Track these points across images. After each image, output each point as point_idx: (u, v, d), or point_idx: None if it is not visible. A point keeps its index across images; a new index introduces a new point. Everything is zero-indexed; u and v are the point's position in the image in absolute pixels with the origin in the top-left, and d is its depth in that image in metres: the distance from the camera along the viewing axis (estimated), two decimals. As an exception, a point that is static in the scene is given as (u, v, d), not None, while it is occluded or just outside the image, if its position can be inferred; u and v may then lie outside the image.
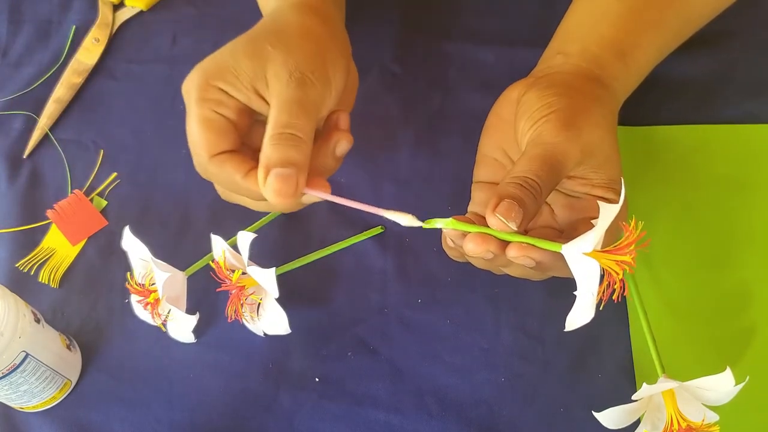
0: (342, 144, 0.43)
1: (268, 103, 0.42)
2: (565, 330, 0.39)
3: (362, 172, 0.59)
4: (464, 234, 0.41)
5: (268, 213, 0.55)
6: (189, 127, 0.43)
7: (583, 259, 0.37)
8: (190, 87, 0.43)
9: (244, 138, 0.44)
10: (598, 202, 0.39)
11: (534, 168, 0.40)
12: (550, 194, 0.42)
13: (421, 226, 0.41)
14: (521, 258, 0.39)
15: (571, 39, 0.50)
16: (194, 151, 0.43)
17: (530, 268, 0.40)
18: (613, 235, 0.39)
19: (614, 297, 0.37)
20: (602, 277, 0.37)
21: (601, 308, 0.38)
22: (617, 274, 0.37)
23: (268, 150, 0.40)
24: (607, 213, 0.38)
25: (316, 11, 0.47)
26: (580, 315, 0.39)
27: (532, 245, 0.39)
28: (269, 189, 0.40)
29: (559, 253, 0.39)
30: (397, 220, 0.41)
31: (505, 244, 0.40)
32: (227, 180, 0.42)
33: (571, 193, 0.45)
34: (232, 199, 0.46)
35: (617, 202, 0.38)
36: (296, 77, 0.41)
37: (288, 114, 0.41)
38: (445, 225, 0.41)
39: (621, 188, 0.40)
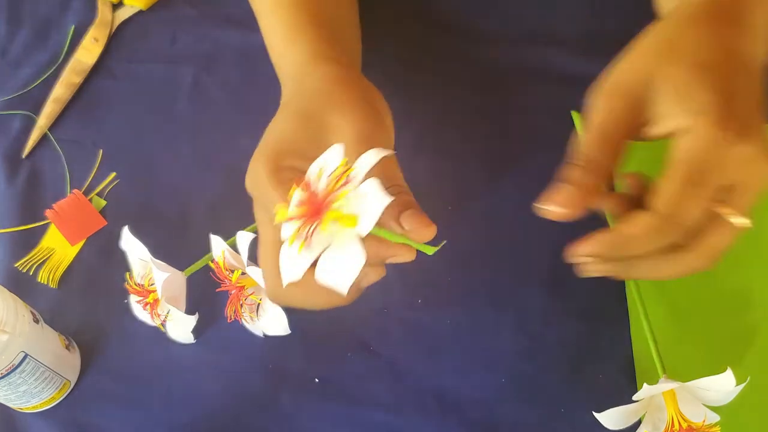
0: None
1: None
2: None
3: (362, 172, 0.59)
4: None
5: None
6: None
7: None
8: (259, 176, 0.40)
9: None
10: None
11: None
12: None
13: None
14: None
15: None
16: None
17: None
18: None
19: None
20: None
21: None
22: None
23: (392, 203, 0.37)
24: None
25: (337, 61, 0.46)
26: None
27: None
28: (412, 226, 0.37)
29: None
30: None
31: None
32: None
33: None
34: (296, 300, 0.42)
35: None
36: (364, 135, 0.40)
37: (379, 170, 0.38)
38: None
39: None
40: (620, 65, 0.42)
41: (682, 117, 0.38)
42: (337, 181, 0.33)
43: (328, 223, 0.33)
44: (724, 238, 0.39)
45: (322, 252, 0.34)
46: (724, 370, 0.41)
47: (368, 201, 0.34)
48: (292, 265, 0.35)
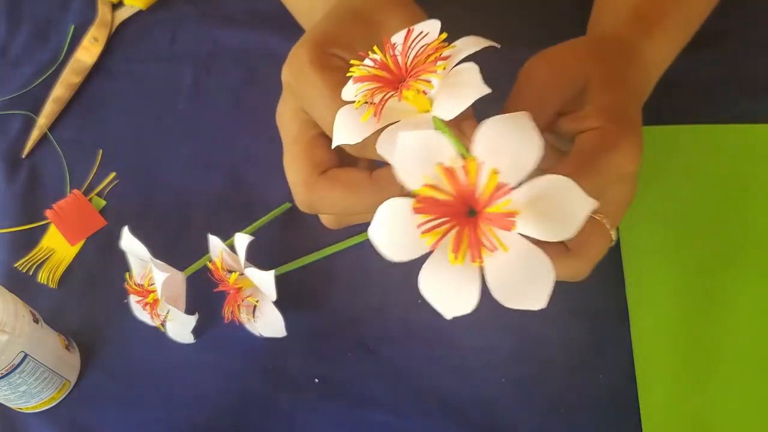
0: None
1: None
2: None
3: (362, 172, 0.59)
4: None
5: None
6: (322, 100, 0.35)
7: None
8: (302, 61, 0.37)
9: None
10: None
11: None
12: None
13: None
14: None
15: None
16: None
17: None
18: None
19: None
20: None
21: None
22: None
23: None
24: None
25: None
26: None
27: None
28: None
29: None
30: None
31: None
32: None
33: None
34: (347, 219, 0.41)
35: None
36: None
37: None
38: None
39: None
40: (562, 47, 0.43)
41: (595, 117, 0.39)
42: (430, 55, 0.30)
43: (409, 96, 0.29)
44: (602, 248, 0.39)
45: (387, 125, 0.30)
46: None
47: (464, 85, 0.30)
48: (351, 128, 0.31)
